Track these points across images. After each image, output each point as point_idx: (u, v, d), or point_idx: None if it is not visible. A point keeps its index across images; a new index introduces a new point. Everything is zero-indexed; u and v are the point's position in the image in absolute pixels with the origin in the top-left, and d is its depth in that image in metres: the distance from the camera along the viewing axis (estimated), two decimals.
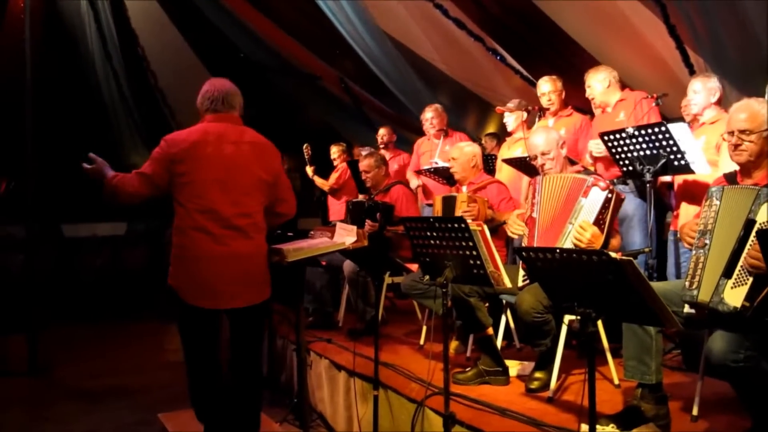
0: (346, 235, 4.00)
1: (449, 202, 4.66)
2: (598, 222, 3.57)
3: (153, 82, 11.49)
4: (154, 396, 5.66)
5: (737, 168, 3.09)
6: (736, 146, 2.97)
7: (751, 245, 2.65)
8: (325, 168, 7.95)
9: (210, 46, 10.99)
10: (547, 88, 5.32)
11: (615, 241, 3.82)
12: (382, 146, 7.33)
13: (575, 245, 3.49)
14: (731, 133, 2.98)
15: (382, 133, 7.41)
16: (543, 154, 3.94)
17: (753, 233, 2.66)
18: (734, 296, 2.68)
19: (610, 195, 3.56)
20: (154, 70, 11.35)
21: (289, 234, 4.23)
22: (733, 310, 2.66)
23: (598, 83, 4.86)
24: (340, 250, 4.06)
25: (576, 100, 5.60)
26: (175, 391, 5.32)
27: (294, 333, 4.39)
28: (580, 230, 3.50)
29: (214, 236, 3.34)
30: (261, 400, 3.70)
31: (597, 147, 4.57)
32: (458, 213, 4.42)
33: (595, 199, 3.57)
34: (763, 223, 2.65)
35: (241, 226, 3.39)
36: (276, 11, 9.34)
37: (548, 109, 5.41)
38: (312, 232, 4.34)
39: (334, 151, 7.93)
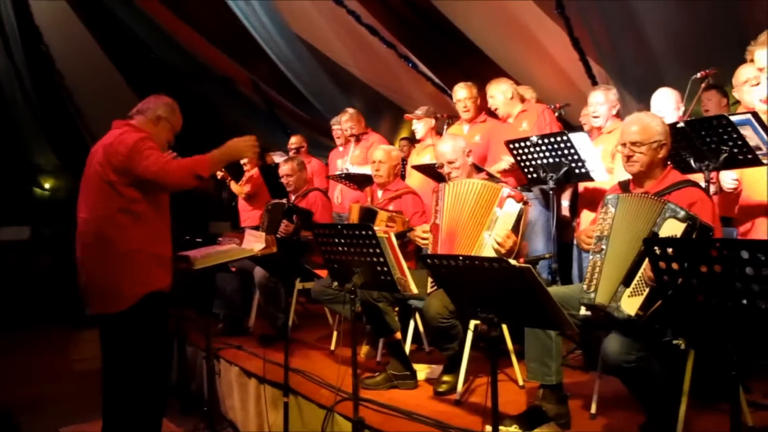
0: (255, 242, 3.99)
1: (368, 216, 4.54)
2: (514, 230, 3.62)
3: (59, 80, 11.10)
4: (60, 408, 5.47)
5: (630, 177, 3.24)
6: (628, 157, 3.11)
7: None
8: (237, 173, 7.80)
9: (120, 46, 10.71)
10: (462, 94, 5.33)
11: (525, 249, 3.91)
12: (293, 153, 7.22)
13: (497, 252, 3.56)
14: (624, 144, 3.12)
15: (293, 141, 7.31)
16: (449, 162, 3.99)
17: None
18: (630, 304, 2.80)
19: (524, 206, 3.64)
20: (60, 68, 10.95)
21: (198, 240, 4.18)
22: (628, 317, 2.79)
23: (500, 94, 4.99)
24: (250, 257, 4.04)
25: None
26: (82, 403, 5.15)
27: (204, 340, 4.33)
28: (504, 240, 3.55)
29: (78, 241, 3.42)
30: (156, 413, 3.53)
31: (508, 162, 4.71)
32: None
33: (510, 210, 3.62)
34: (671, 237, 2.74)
35: (81, 233, 3.39)
36: (187, 11, 9.17)
37: (458, 117, 5.49)
38: (220, 239, 4.30)
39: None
